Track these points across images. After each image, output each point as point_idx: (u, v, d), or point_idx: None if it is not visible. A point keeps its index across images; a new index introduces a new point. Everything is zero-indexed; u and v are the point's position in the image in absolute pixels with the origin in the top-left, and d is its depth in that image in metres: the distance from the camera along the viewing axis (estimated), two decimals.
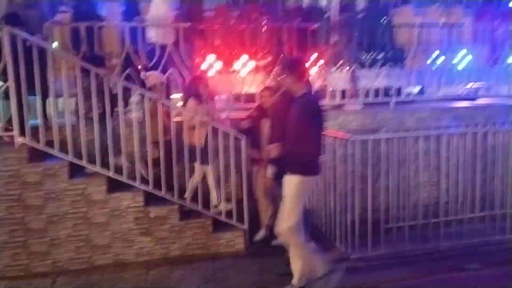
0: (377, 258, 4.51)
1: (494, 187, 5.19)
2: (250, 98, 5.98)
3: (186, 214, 4.73)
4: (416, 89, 7.62)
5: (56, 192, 4.39)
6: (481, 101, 7.05)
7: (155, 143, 4.57)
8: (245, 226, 4.80)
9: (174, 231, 4.65)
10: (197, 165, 4.74)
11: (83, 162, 4.45)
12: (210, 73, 6.25)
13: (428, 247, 4.66)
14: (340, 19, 6.51)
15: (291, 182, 3.60)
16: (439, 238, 4.72)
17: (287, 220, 3.60)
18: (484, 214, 5.04)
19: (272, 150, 3.65)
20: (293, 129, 3.58)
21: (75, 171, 4.51)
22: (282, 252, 3.96)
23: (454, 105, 6.64)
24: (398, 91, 6.62)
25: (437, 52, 7.10)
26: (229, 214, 4.79)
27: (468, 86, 7.39)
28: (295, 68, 3.66)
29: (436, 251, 4.63)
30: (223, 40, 6.57)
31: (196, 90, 4.96)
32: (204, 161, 4.74)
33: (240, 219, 4.78)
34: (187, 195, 4.75)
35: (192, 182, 4.79)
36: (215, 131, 4.71)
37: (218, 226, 4.81)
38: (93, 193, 4.46)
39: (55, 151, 4.39)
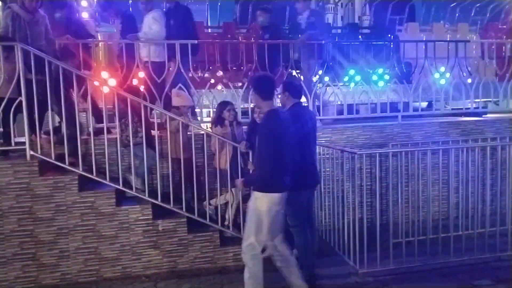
0: (386, 273, 4.46)
1: (505, 202, 5.14)
2: None
3: (193, 227, 4.74)
4: (425, 104, 7.66)
5: (66, 204, 4.44)
6: (489, 116, 7.03)
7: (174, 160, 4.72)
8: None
9: (182, 244, 4.66)
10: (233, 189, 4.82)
11: (93, 175, 4.50)
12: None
13: (438, 263, 4.59)
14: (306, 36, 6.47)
15: (251, 198, 3.67)
16: (449, 254, 4.66)
17: (246, 238, 3.64)
18: (494, 229, 4.98)
19: (239, 184, 3.91)
20: (257, 146, 3.70)
21: (84, 183, 4.56)
22: None
23: (462, 119, 6.62)
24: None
25: (443, 68, 7.12)
26: (237, 227, 4.79)
27: (476, 101, 7.44)
28: (260, 85, 3.68)
29: (446, 267, 4.57)
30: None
31: (220, 114, 5.03)
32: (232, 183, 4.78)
33: None
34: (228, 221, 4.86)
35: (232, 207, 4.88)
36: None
37: (226, 239, 4.81)
38: (102, 206, 4.50)
39: (66, 165, 4.46)
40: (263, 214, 3.53)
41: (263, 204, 3.52)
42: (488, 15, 9.15)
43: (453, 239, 4.76)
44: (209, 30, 8.33)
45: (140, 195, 4.59)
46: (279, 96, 4.10)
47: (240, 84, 6.24)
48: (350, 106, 6.35)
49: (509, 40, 7.68)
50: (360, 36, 8.02)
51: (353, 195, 4.68)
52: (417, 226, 4.89)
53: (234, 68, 6.69)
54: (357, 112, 6.64)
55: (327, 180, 5.28)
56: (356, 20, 8.76)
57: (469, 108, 6.82)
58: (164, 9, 6.04)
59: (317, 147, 5.38)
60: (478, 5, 8.86)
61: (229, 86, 6.16)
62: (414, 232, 4.82)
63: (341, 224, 4.84)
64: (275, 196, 3.54)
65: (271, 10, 6.41)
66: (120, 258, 4.57)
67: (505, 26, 8.88)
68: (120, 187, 4.55)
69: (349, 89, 6.74)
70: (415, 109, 6.74)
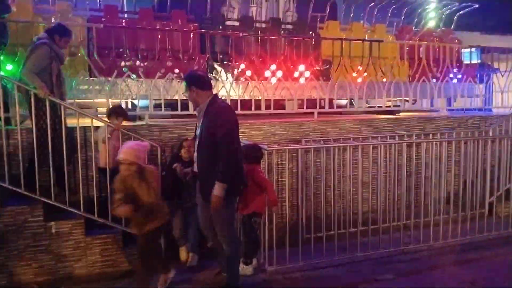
0: (295, 270, 4.43)
1: (411, 197, 5.37)
2: None
3: (92, 228, 4.36)
4: (344, 101, 7.82)
5: None
6: (401, 115, 7.35)
7: None
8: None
9: (79, 247, 4.26)
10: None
11: None
12: None
13: (345, 257, 4.66)
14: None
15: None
16: (356, 248, 4.75)
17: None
18: (399, 224, 5.17)
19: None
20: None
21: None
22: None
23: (375, 117, 6.84)
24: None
25: (359, 67, 7.32)
26: None
27: (391, 100, 7.77)
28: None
29: (353, 261, 4.65)
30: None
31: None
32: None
33: None
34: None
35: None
36: None
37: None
38: None
39: None
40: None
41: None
42: (402, 17, 9.59)
43: (361, 233, 4.86)
44: (126, 16, 7.84)
45: (29, 194, 4.12)
46: (185, 95, 3.71)
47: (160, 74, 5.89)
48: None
49: (420, 42, 8.07)
50: (282, 32, 8.00)
51: None
52: (327, 221, 4.93)
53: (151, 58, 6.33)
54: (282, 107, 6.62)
55: None
56: (280, 15, 8.74)
57: (381, 107, 7.06)
58: None
59: None
60: (394, 7, 9.24)
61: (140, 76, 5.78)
62: (323, 227, 4.85)
63: None
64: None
65: None
66: (6, 265, 4.08)
67: (418, 29, 9.37)
68: (6, 185, 4.05)
69: (270, 84, 6.66)
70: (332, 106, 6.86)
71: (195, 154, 3.67)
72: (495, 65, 8.37)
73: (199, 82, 3.62)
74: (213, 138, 3.42)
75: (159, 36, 6.44)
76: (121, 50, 6.17)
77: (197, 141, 3.64)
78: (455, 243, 5.19)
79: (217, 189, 3.41)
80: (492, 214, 5.67)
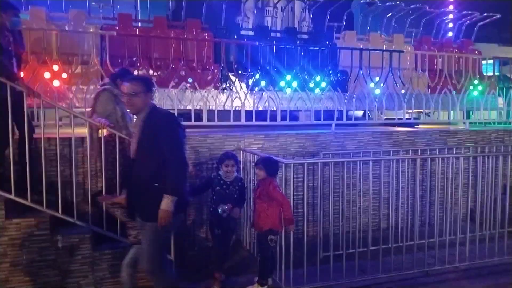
0: None
1: (434, 214, 5.08)
2: None
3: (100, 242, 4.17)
4: (360, 113, 7.60)
5: None
6: (421, 127, 7.09)
7: None
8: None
9: (85, 263, 4.06)
10: None
11: None
12: None
13: (366, 279, 4.38)
14: None
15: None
16: (378, 269, 4.47)
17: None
18: (423, 242, 4.88)
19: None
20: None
21: None
22: None
23: (395, 130, 6.59)
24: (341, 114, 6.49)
25: (377, 78, 7.10)
26: None
27: (409, 112, 7.51)
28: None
29: (374, 284, 4.36)
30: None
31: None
32: None
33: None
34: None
35: None
36: None
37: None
38: None
39: None
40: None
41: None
42: (421, 28, 9.38)
43: (382, 252, 4.58)
44: (139, 24, 7.77)
45: (36, 206, 3.94)
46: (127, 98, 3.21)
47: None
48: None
49: (440, 53, 7.84)
50: (298, 42, 7.84)
51: None
52: (347, 239, 4.67)
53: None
54: (295, 118, 6.42)
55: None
56: (295, 25, 8.60)
57: (401, 119, 6.81)
58: None
59: (247, 154, 5.08)
60: (412, 17, 9.04)
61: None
62: (343, 245, 4.59)
63: None
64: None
65: None
66: (9, 280, 3.89)
67: (437, 40, 9.15)
68: (12, 196, 3.88)
69: (284, 94, 6.48)
70: (349, 118, 6.62)
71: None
72: None
73: (148, 84, 3.25)
74: (157, 148, 3.07)
75: (173, 45, 6.32)
76: (134, 58, 6.06)
77: (133, 153, 3.22)
78: (483, 264, 4.87)
79: (166, 203, 3.02)
80: None
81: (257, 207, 4.09)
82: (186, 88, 5.78)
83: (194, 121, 5.51)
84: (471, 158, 5.28)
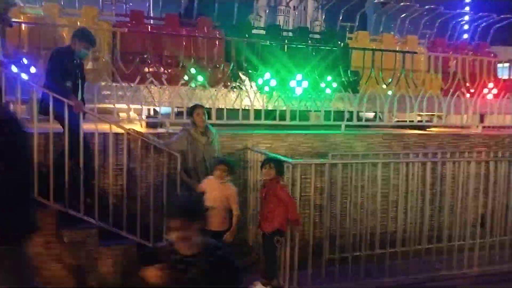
0: None
1: (443, 219, 5.00)
2: None
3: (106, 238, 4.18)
4: (371, 115, 7.51)
5: None
6: (432, 130, 6.99)
7: None
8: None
9: (91, 258, 4.08)
10: None
11: None
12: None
13: (372, 283, 4.33)
14: None
15: None
16: (384, 273, 4.41)
17: None
18: (431, 246, 4.81)
19: None
20: None
21: None
22: None
23: (405, 132, 6.50)
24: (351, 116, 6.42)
25: (390, 80, 7.01)
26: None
27: (421, 114, 7.39)
28: None
29: (381, 287, 4.31)
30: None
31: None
32: None
33: None
34: None
35: None
36: None
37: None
38: None
39: None
40: None
41: None
42: (435, 30, 9.23)
43: (389, 256, 4.52)
44: (151, 21, 7.79)
45: (43, 200, 3.97)
46: None
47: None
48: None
49: (454, 55, 7.71)
50: (309, 41, 7.78)
51: None
52: (353, 241, 4.62)
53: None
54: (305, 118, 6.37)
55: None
56: (308, 25, 8.54)
57: (412, 121, 6.70)
58: None
59: (253, 153, 5.06)
60: (426, 18, 8.91)
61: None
62: (350, 247, 4.54)
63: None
64: None
65: None
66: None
67: (452, 42, 9.00)
68: None
69: (294, 94, 6.43)
70: (360, 119, 6.55)
71: None
72: None
73: None
74: None
75: (184, 43, 6.31)
76: (145, 56, 6.07)
77: None
78: (492, 271, 4.78)
79: None
80: None
81: (264, 208, 4.06)
82: (196, 86, 5.77)
83: None
84: (483, 162, 5.17)
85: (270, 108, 6.16)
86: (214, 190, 3.92)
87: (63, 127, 4.06)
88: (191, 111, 4.59)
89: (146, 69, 6.10)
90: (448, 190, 5.12)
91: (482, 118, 8.01)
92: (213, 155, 4.52)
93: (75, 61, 4.29)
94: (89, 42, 4.31)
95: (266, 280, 4.04)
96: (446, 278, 4.58)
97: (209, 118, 5.32)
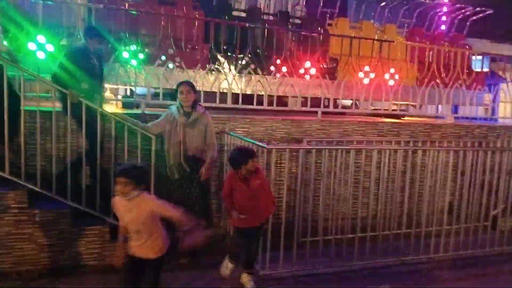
0: (288, 275, 4.23)
1: (412, 206, 5.16)
2: None
3: (79, 218, 4.15)
4: (349, 102, 7.60)
5: None
6: (406, 119, 7.14)
7: None
8: None
9: (63, 238, 4.06)
10: None
11: None
12: None
13: (341, 265, 4.46)
14: None
15: None
16: (353, 256, 4.55)
17: None
18: (399, 232, 4.97)
19: None
20: None
21: None
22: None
23: (380, 120, 6.62)
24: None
25: (367, 67, 7.09)
26: None
27: (397, 103, 7.53)
28: None
29: (349, 270, 4.45)
30: None
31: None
32: None
33: None
34: None
35: None
36: None
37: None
38: None
39: None
40: None
41: None
42: (414, 19, 9.34)
43: (359, 240, 4.66)
44: None
45: (14, 179, 3.90)
46: None
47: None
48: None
49: (430, 45, 7.83)
50: (290, 26, 7.75)
51: None
52: (324, 225, 4.73)
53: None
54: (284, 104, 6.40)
55: None
56: (289, 9, 8.50)
57: (387, 110, 6.82)
58: None
59: (230, 137, 5.07)
60: (406, 7, 8.99)
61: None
62: (321, 231, 4.65)
63: None
64: None
65: None
66: None
67: (429, 32, 9.12)
68: None
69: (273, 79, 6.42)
70: (337, 107, 6.63)
71: None
72: (504, 75, 8.15)
73: None
74: None
75: (162, 22, 6.19)
76: (121, 34, 5.93)
77: None
78: (456, 256, 4.99)
79: None
80: (495, 228, 5.47)
81: (259, 200, 3.84)
82: (173, 67, 5.70)
83: None
84: (452, 151, 5.34)
85: (248, 92, 6.15)
86: (128, 211, 2.97)
87: None
88: (176, 88, 4.40)
89: (123, 48, 5.96)
90: (418, 178, 5.28)
91: (456, 109, 8.23)
92: (197, 140, 4.31)
93: (91, 61, 4.38)
94: (99, 36, 4.42)
95: (249, 269, 3.99)
96: (413, 262, 4.77)
97: None
